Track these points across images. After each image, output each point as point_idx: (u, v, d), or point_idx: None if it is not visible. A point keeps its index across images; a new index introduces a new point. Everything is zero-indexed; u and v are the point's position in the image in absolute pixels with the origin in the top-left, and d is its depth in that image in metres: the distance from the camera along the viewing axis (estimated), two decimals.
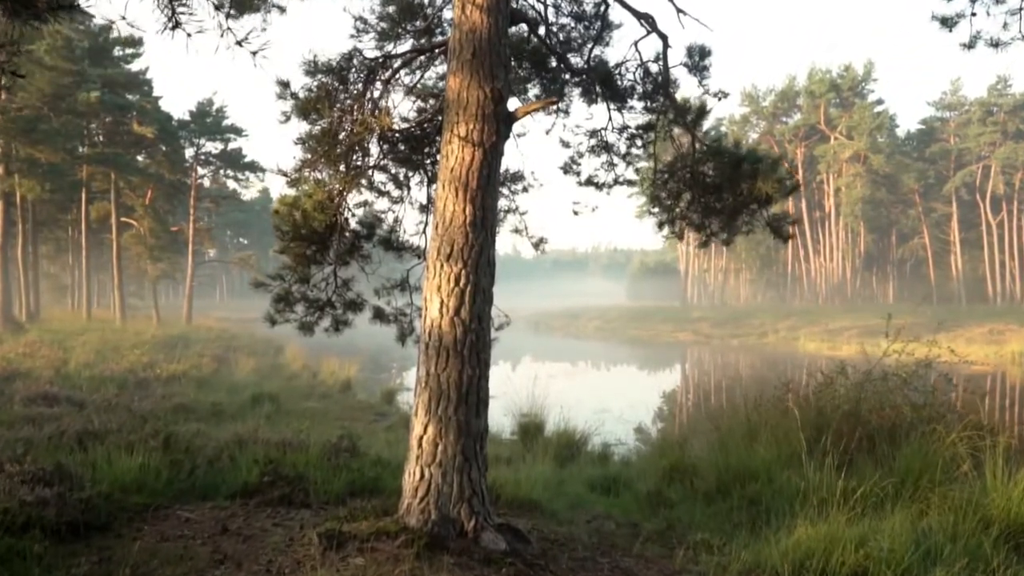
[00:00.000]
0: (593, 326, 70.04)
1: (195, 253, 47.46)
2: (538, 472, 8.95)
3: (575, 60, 7.94)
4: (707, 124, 7.92)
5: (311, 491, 6.49)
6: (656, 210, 7.86)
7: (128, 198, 41.00)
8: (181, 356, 22.06)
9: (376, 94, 6.33)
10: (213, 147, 45.59)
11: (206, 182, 52.01)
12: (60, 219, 45.92)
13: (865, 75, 72.83)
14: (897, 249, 77.00)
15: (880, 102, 73.52)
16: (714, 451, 9.04)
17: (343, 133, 6.25)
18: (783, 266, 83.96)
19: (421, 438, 5.14)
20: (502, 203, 7.69)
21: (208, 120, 44.69)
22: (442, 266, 5.14)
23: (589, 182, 8.00)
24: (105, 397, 12.35)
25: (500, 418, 13.97)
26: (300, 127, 6.10)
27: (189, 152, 45.14)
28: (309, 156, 6.23)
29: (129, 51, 38.48)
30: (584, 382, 28.06)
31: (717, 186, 7.16)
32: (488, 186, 5.22)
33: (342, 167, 6.57)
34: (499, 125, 5.27)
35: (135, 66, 39.27)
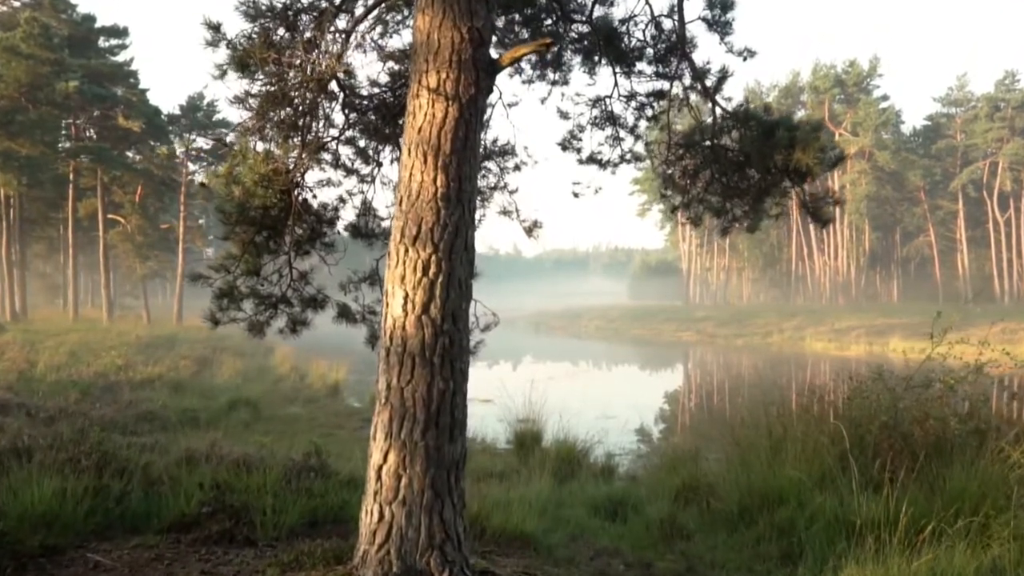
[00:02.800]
0: (594, 326, 68.99)
1: (188, 251, 46.30)
2: (533, 492, 7.87)
3: (575, 18, 6.86)
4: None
5: (259, 524, 5.43)
6: (669, 192, 6.78)
7: (117, 195, 39.86)
8: (162, 358, 21.00)
9: (336, 48, 5.26)
10: (205, 143, 44.41)
11: (203, 178, 50.86)
12: (51, 217, 44.83)
13: (870, 70, 71.70)
14: (902, 248, 75.90)
15: (885, 98, 72.51)
16: (733, 467, 7.96)
17: (295, 93, 5.17)
18: (786, 265, 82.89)
19: (380, 469, 4.07)
20: (488, 179, 6.61)
21: (199, 114, 43.49)
22: (407, 251, 4.07)
23: (591, 160, 6.91)
24: (61, 405, 11.27)
25: (495, 425, 12.91)
26: (240, 85, 5.02)
27: (180, 147, 43.95)
28: (251, 120, 5.17)
29: (114, 42, 37.33)
30: (586, 385, 26.97)
31: (742, 162, 6.09)
32: (465, 150, 4.15)
33: (297, 139, 5.49)
34: (479, 74, 4.20)
35: (122, 57, 38.12)
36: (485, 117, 6.62)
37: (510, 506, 6.68)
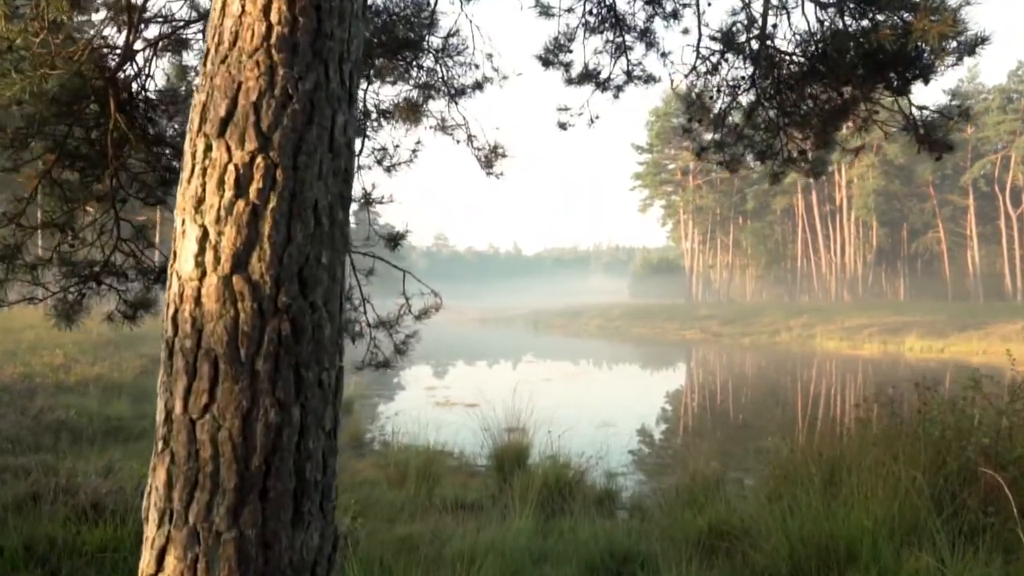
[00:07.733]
0: (595, 324, 66.99)
1: (165, 243, 44.34)
2: (507, 537, 5.89)
3: None
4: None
5: None
6: (696, 124, 4.76)
7: None
8: (114, 356, 19.01)
9: None
10: None
11: None
12: None
13: None
14: (910, 244, 73.87)
15: None
16: (775, 504, 5.95)
17: None
18: (791, 262, 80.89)
19: None
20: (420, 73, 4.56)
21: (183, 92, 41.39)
22: (208, 150, 2.07)
23: (586, 77, 4.88)
24: None
25: (471, 438, 10.85)
26: None
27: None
28: None
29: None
30: (585, 388, 24.96)
31: (804, 71, 4.09)
32: None
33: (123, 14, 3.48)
34: None
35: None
36: (429, 8, 4.59)
37: (467, 564, 4.73)
